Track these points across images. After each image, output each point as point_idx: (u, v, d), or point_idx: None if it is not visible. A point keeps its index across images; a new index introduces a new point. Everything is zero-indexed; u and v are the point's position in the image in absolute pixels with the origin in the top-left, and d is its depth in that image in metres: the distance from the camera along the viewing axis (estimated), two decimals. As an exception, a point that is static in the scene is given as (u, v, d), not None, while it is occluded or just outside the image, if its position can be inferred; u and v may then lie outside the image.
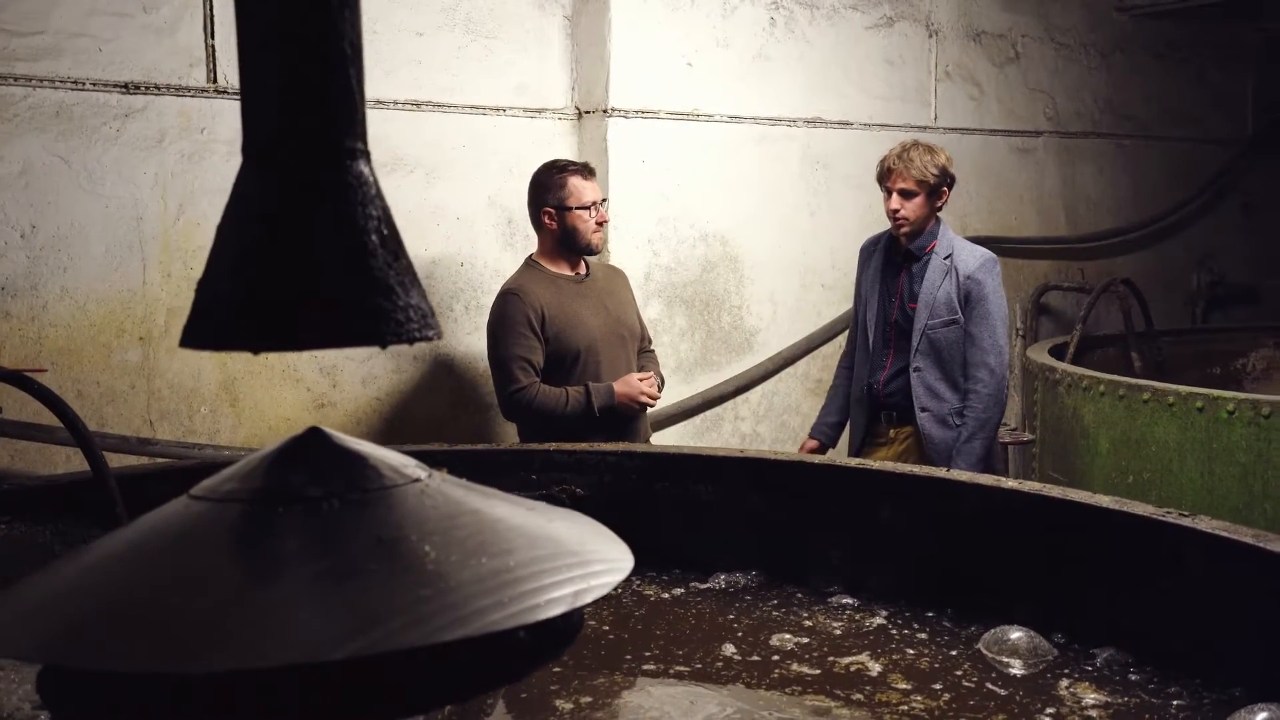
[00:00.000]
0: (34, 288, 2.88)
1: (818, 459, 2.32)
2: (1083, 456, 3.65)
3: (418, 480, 0.91)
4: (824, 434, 3.72)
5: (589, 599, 0.85)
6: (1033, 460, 4.18)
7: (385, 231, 0.91)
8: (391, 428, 3.56)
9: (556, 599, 0.83)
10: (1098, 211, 5.67)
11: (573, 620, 0.92)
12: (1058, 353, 4.41)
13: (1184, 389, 3.27)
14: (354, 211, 0.88)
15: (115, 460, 2.67)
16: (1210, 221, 6.14)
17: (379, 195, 0.91)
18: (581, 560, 0.91)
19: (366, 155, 0.90)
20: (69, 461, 2.86)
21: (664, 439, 4.08)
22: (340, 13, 0.86)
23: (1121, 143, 5.74)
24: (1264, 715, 1.43)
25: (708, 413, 4.25)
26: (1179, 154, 5.91)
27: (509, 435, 3.59)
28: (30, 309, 2.88)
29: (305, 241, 0.85)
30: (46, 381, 2.89)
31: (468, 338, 3.67)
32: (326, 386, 3.42)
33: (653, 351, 3.58)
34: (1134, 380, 3.47)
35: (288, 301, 0.82)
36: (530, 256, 3.38)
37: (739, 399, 4.33)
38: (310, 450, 0.89)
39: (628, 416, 3.30)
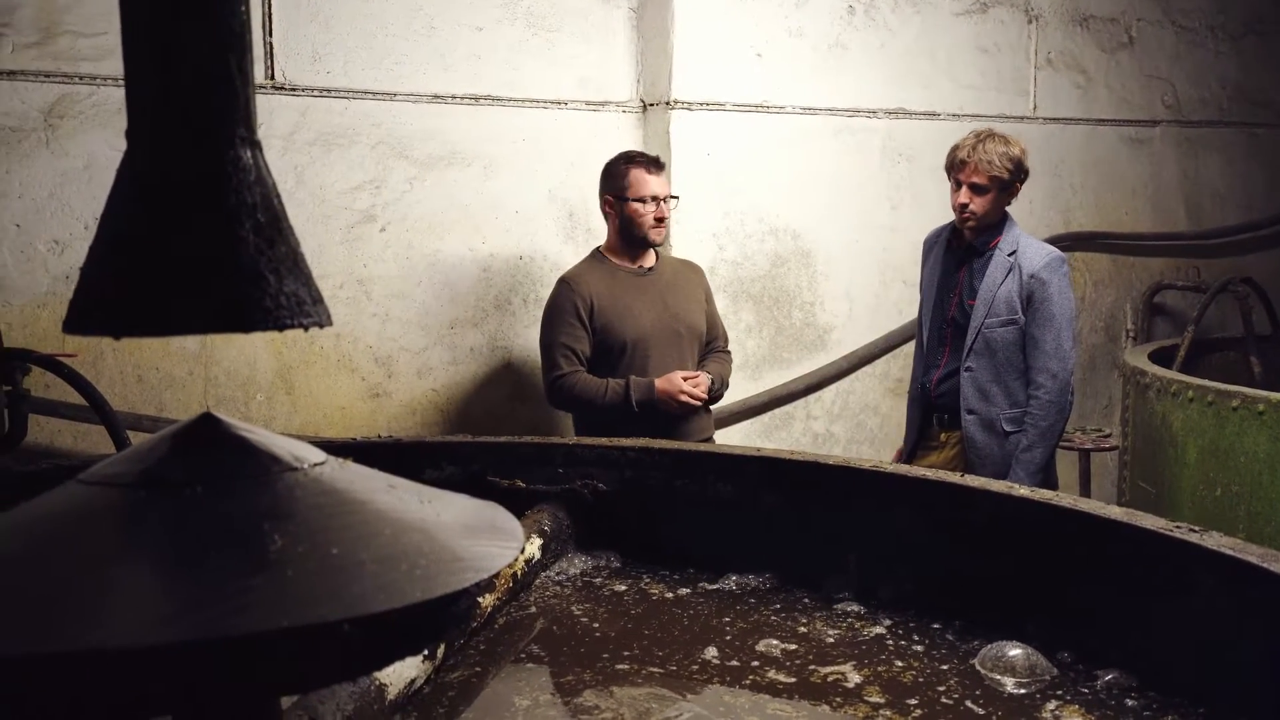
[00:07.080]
0: (98, 277, 3.00)
1: (834, 459, 2.21)
2: (1171, 466, 3.39)
3: (296, 469, 0.90)
4: None
5: (433, 595, 0.82)
6: (1124, 469, 3.92)
7: (261, 219, 0.90)
8: (448, 419, 3.58)
9: (399, 593, 0.81)
10: (1225, 206, 5.29)
11: (429, 618, 0.89)
12: (1165, 356, 4.10)
13: (1275, 396, 2.98)
14: (225, 198, 0.87)
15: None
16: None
17: (260, 181, 0.89)
18: (450, 557, 0.88)
19: (250, 141, 0.89)
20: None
21: (729, 436, 3.99)
22: (221, -6, 0.85)
23: (1255, 132, 5.34)
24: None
25: (777, 411, 4.13)
26: (1325, 143, 5.46)
27: (569, 428, 3.57)
28: (94, 297, 3.00)
29: (170, 228, 0.85)
30: (108, 368, 3.04)
31: (526, 331, 3.67)
32: (381, 376, 3.47)
33: (727, 352, 3.49)
34: (1222, 386, 3.20)
35: (149, 288, 0.83)
36: (598, 247, 3.39)
37: (811, 397, 4.20)
38: (197, 437, 0.90)
39: (675, 414, 3.22)
